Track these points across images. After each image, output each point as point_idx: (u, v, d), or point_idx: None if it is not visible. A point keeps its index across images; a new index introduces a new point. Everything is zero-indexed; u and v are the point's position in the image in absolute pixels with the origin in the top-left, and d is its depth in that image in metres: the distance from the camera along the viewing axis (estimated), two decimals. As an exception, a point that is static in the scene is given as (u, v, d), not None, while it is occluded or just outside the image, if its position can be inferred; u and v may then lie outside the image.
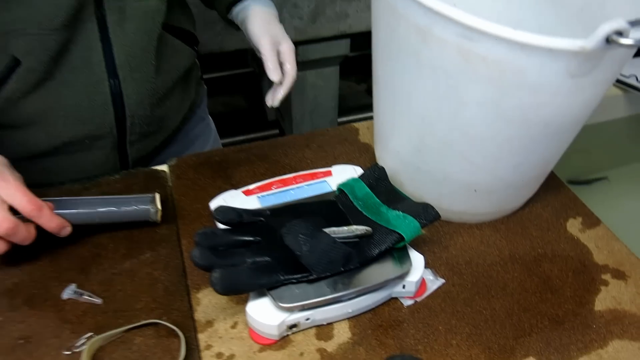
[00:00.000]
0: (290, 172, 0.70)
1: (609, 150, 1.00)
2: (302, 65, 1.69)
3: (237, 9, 0.81)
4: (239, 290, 0.51)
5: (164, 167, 0.75)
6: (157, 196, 0.66)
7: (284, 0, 1.50)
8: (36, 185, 0.62)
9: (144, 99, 0.76)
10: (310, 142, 0.79)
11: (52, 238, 0.61)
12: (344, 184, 0.62)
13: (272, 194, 0.67)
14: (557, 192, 0.71)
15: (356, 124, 0.83)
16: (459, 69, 0.50)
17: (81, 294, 0.58)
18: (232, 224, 0.57)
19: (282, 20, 0.82)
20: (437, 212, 0.57)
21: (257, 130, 2.09)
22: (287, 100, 1.92)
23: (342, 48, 1.72)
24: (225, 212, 0.56)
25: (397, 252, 0.57)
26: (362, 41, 2.14)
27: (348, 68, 1.82)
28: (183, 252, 0.63)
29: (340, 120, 1.97)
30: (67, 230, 0.60)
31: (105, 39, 0.69)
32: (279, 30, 0.77)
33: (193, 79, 0.90)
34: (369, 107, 2.24)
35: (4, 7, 0.62)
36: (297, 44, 1.60)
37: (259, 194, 0.66)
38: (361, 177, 0.63)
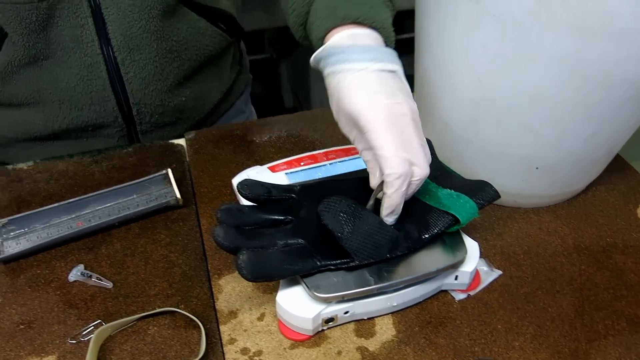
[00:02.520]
0: (320, 149, 0.62)
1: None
2: (322, 49, 1.61)
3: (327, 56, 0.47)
4: (269, 276, 0.43)
5: (181, 141, 0.68)
6: (171, 175, 0.58)
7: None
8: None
9: (149, 84, 0.67)
10: (343, 117, 0.70)
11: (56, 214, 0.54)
12: (386, 159, 0.54)
13: (302, 170, 0.59)
14: (622, 174, 0.62)
15: (392, 99, 0.74)
16: (531, 14, 0.42)
17: (89, 276, 0.51)
18: (260, 200, 0.49)
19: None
20: (496, 191, 0.49)
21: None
22: (305, 86, 1.85)
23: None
24: (252, 187, 0.48)
25: (450, 238, 0.48)
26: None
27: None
28: (202, 233, 0.55)
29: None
30: None
31: (97, 15, 0.61)
32: (413, 132, 0.44)
33: (227, 66, 0.78)
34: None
35: None
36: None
37: (287, 171, 0.59)
38: (405, 152, 0.54)
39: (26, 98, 0.65)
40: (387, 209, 0.45)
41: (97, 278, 0.51)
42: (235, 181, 0.58)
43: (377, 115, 0.43)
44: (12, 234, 0.54)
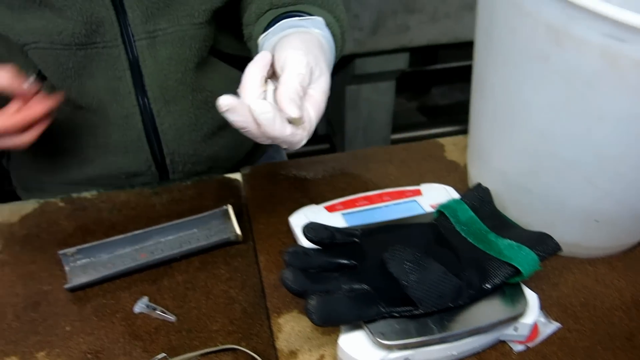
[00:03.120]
0: (373, 189, 0.64)
1: None
2: (358, 78, 1.64)
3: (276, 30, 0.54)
4: (337, 321, 0.44)
5: (237, 176, 0.69)
6: (231, 211, 0.60)
7: (344, 10, 1.45)
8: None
9: (183, 134, 0.69)
10: (393, 157, 0.72)
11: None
12: (445, 206, 0.55)
13: (358, 211, 0.60)
14: (678, 228, 0.62)
15: (441, 140, 0.76)
16: (600, 76, 0.43)
17: (154, 309, 0.52)
18: (324, 243, 0.50)
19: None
20: (557, 244, 0.49)
21: (307, 144, 2.03)
22: (340, 114, 1.87)
23: (401, 62, 1.65)
24: (318, 230, 0.50)
25: (509, 289, 0.49)
26: (417, 57, 2.06)
27: (399, 84, 1.76)
28: (261, 270, 0.57)
29: (393, 137, 1.89)
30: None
31: (134, 67, 0.63)
32: (322, 59, 0.49)
33: None
34: (421, 125, 2.19)
35: (20, 18, 0.58)
36: (355, 56, 1.56)
37: (343, 211, 0.60)
38: (463, 198, 0.56)
39: (62, 144, 0.67)
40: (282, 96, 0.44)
41: (161, 311, 0.52)
42: (293, 220, 0.59)
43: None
44: (79, 262, 0.56)
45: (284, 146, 0.47)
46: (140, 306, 0.53)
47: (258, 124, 0.43)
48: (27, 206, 0.64)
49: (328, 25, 0.56)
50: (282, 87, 0.45)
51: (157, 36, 0.62)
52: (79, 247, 0.56)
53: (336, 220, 0.59)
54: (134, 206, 0.64)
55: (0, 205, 0.64)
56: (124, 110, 0.65)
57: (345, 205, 0.61)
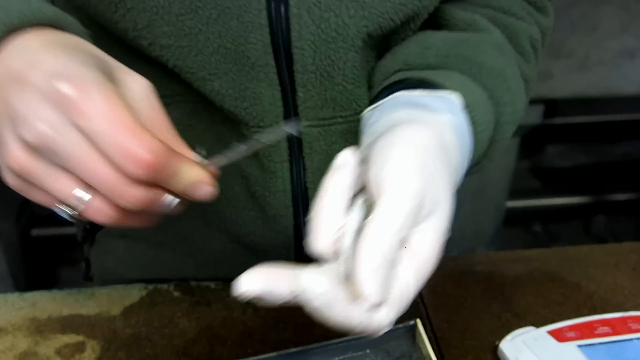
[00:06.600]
0: (602, 307, 0.51)
1: None
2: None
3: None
4: None
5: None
6: (421, 329, 0.45)
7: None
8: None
9: None
10: (619, 262, 0.56)
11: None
12: None
13: (600, 344, 0.47)
14: None
15: (680, 239, 0.59)
16: None
17: None
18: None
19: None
20: None
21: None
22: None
23: (534, 116, 1.49)
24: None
25: None
26: (547, 109, 1.87)
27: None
28: None
29: (508, 205, 1.69)
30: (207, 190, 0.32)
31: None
32: (441, 178, 0.33)
33: None
34: (537, 192, 1.95)
35: None
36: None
37: (580, 342, 0.47)
38: None
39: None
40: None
41: None
42: (506, 348, 0.46)
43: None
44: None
45: (351, 334, 0.31)
46: None
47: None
48: (132, 293, 0.52)
49: (470, 106, 0.39)
50: (364, 243, 0.29)
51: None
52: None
53: (572, 355, 0.44)
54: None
55: (98, 289, 0.52)
56: (274, 210, 0.52)
57: (579, 332, 0.47)
